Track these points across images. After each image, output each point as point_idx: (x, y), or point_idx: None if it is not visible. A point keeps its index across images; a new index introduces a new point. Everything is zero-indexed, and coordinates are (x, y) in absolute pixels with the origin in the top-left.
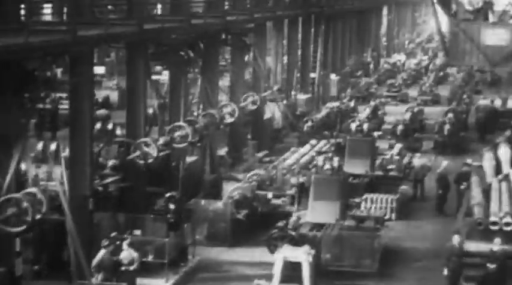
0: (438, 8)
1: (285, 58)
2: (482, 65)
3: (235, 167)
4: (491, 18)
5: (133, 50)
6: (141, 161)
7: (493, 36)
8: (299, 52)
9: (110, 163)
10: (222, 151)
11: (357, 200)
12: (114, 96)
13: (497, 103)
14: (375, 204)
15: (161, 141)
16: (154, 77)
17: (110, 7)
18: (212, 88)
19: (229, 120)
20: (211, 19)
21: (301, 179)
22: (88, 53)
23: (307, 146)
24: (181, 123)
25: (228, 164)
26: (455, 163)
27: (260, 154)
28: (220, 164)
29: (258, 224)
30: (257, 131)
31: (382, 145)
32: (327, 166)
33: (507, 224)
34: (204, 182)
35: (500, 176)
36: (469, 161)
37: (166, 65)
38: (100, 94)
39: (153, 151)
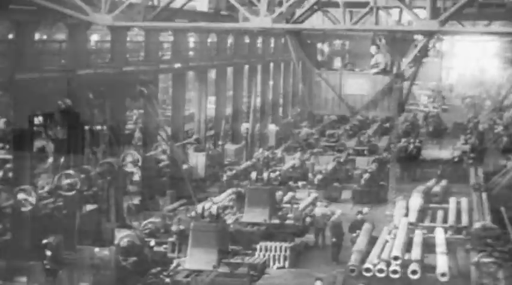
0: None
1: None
2: (343, 113)
3: (143, 216)
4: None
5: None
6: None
7: (353, 86)
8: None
9: None
10: (136, 200)
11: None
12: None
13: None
14: (269, 252)
15: (46, 188)
16: None
17: None
18: (116, 136)
19: (131, 169)
20: (109, 69)
21: (181, 227)
22: None
23: (222, 196)
24: (69, 171)
25: (134, 213)
26: (375, 211)
27: (176, 204)
28: (126, 213)
29: (146, 271)
30: (175, 180)
31: (302, 194)
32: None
33: (380, 270)
34: (105, 230)
35: (391, 225)
36: (365, 209)
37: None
38: (37, 145)
39: (32, 199)
